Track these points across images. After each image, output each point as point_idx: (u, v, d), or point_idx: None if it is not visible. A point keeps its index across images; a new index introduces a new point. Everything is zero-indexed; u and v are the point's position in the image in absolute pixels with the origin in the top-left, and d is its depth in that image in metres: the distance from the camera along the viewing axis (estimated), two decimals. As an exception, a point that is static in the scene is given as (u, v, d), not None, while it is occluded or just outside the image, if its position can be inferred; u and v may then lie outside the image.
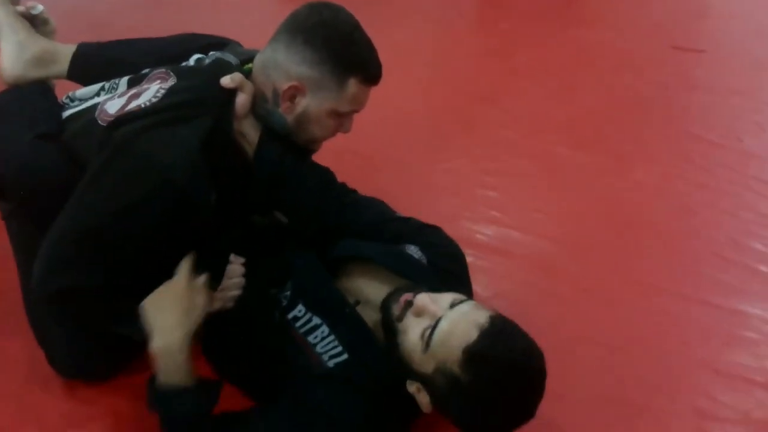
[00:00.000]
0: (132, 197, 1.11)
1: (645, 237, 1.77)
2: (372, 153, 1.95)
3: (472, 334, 1.02)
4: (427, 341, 1.06)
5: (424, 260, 1.31)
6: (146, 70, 1.34)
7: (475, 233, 1.77)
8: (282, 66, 1.18)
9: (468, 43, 2.86)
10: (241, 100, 1.20)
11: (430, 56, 2.70)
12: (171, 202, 1.12)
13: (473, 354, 1.01)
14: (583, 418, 1.30)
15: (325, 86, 1.18)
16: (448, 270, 1.32)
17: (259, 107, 1.23)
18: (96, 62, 1.43)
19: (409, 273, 1.25)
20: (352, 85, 1.18)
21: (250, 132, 1.23)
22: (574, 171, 2.02)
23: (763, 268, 1.65)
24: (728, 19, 2.98)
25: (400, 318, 1.12)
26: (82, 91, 1.37)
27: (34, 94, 1.40)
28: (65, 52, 1.44)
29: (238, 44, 1.52)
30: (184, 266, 1.14)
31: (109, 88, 1.34)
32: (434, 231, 1.40)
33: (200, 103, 1.19)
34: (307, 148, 1.31)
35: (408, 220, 1.41)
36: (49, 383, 1.33)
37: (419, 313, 1.10)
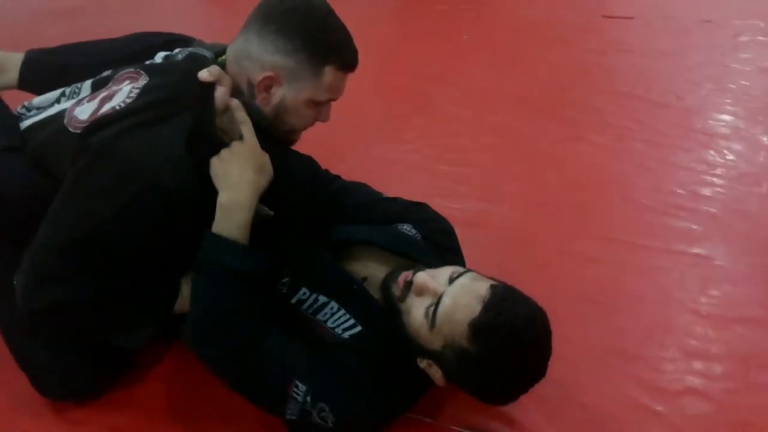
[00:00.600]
0: (118, 202, 1.06)
1: (610, 196, 1.84)
2: (333, 143, 1.92)
3: (476, 307, 1.02)
4: (432, 319, 1.06)
5: (418, 237, 1.31)
6: (107, 72, 1.27)
7: (448, 209, 1.74)
8: (255, 56, 1.14)
9: (408, 26, 2.89)
10: (220, 93, 1.15)
11: (374, 42, 2.64)
12: (159, 204, 1.07)
13: (479, 327, 1.01)
14: (583, 374, 1.33)
15: (301, 75, 1.14)
16: (442, 244, 1.33)
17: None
18: (48, 68, 1.35)
19: (407, 251, 1.25)
20: (329, 72, 1.15)
21: (230, 126, 1.18)
22: (533, 140, 2.07)
23: (721, 213, 1.74)
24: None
25: (402, 298, 1.12)
26: (40, 99, 1.29)
27: None
28: (12, 60, 1.36)
29: (194, 39, 1.48)
30: (248, 127, 1.12)
31: (70, 94, 1.27)
32: (422, 208, 1.41)
33: (178, 100, 1.14)
34: (287, 138, 1.27)
35: (395, 200, 1.41)
36: (36, 407, 1.26)
37: (420, 292, 1.09)
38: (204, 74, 1.14)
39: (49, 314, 1.10)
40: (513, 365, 1.05)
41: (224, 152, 1.10)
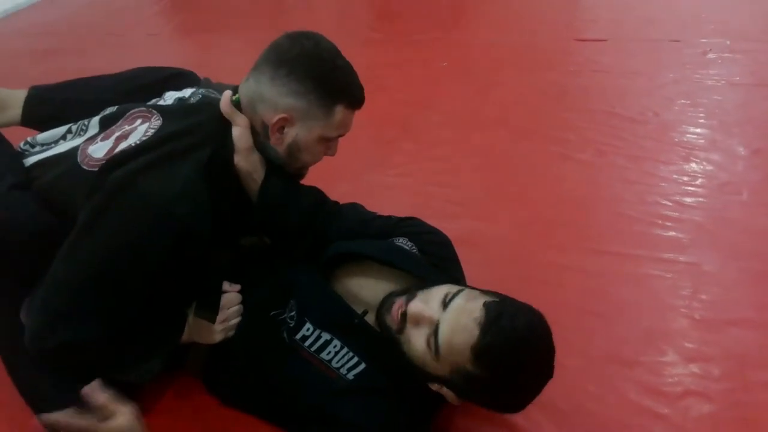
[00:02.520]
0: (132, 235, 1.08)
1: (597, 210, 1.89)
2: (325, 170, 1.95)
3: (474, 331, 1.03)
4: (435, 349, 1.07)
5: (414, 250, 1.33)
6: (113, 108, 1.29)
7: (441, 229, 1.78)
8: (268, 99, 1.19)
9: (389, 56, 2.95)
10: (238, 133, 1.20)
11: (357, 71, 2.73)
12: (171, 234, 1.09)
13: (481, 350, 1.02)
14: (587, 382, 1.36)
15: (313, 115, 1.19)
16: (439, 255, 1.36)
17: (254, 142, 1.23)
18: (52, 104, 1.37)
19: (403, 264, 1.26)
20: (339, 111, 1.20)
21: (257, 168, 1.23)
22: (519, 159, 2.13)
23: (706, 222, 1.79)
24: (622, 11, 3.22)
25: (400, 330, 1.13)
26: (44, 135, 1.31)
27: None
28: (15, 97, 1.38)
29: (194, 74, 1.51)
30: None
31: (77, 130, 1.28)
32: (415, 222, 1.44)
33: (194, 137, 1.17)
34: (298, 174, 1.33)
35: (389, 217, 1.44)
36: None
37: (416, 322, 1.10)
38: (227, 108, 1.19)
39: (59, 354, 1.10)
40: (521, 377, 1.06)
41: None
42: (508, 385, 1.07)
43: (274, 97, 1.18)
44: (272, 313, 1.24)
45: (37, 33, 3.60)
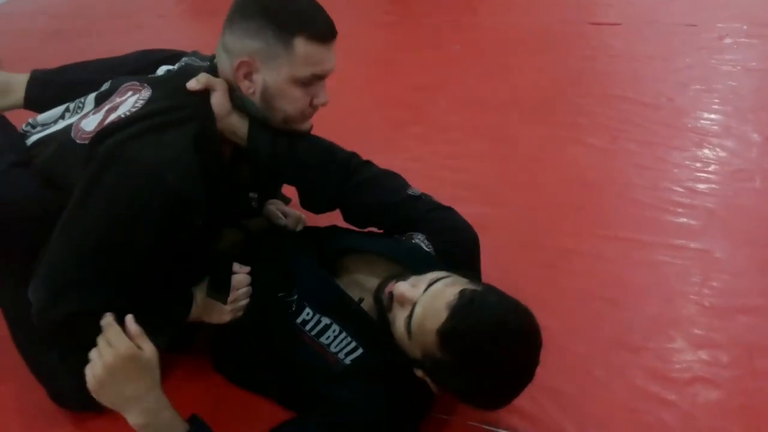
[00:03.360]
0: (125, 204, 1.08)
1: (609, 195, 1.87)
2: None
3: (442, 315, 1.01)
4: (408, 329, 1.07)
5: (430, 248, 1.29)
6: (106, 85, 1.30)
7: (451, 213, 1.80)
8: (230, 47, 1.15)
9: (402, 38, 2.94)
10: (215, 99, 1.18)
11: (370, 54, 2.73)
12: (162, 201, 1.09)
13: (445, 334, 1.00)
14: (594, 367, 1.35)
15: (274, 53, 1.12)
16: (454, 256, 1.31)
17: (234, 99, 1.20)
18: (54, 87, 1.38)
19: (412, 264, 1.23)
20: (300, 44, 1.11)
21: (238, 126, 1.21)
22: (530, 144, 2.11)
23: (717, 208, 1.78)
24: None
25: (390, 309, 1.13)
26: (45, 115, 1.32)
27: None
28: (19, 80, 1.38)
29: (197, 53, 1.50)
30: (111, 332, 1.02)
31: (74, 109, 1.29)
32: (445, 214, 1.38)
33: (182, 109, 1.16)
34: (293, 130, 1.24)
35: (420, 200, 1.37)
36: (55, 420, 1.26)
37: (401, 302, 1.09)
38: (192, 84, 1.17)
39: (66, 326, 1.11)
40: (489, 367, 1.02)
41: (98, 380, 1.01)
42: (472, 376, 1.03)
43: (234, 44, 1.14)
44: (280, 294, 1.25)
45: (45, 15, 3.61)
